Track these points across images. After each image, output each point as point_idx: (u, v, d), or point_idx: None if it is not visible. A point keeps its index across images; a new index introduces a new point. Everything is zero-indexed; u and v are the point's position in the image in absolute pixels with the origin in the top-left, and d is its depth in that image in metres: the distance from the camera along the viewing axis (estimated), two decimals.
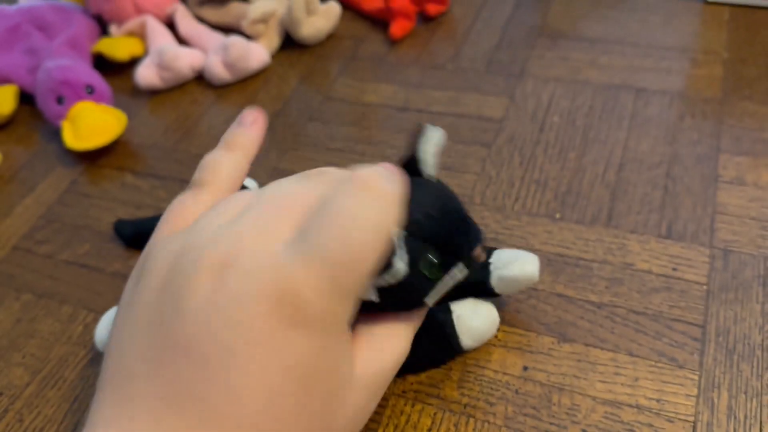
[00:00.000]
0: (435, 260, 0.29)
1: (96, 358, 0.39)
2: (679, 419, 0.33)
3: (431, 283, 0.30)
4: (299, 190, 0.28)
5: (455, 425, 0.34)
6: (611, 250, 0.41)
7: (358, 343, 0.29)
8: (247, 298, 0.24)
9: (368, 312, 0.30)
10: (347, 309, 0.26)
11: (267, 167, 0.50)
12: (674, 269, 0.39)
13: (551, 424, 0.33)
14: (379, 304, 0.29)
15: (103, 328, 0.37)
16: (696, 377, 0.34)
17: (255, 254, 0.25)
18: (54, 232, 0.48)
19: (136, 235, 0.45)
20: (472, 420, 0.34)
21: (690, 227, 0.41)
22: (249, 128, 0.34)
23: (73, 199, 0.50)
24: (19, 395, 0.38)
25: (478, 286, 0.36)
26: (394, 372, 0.31)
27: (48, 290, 0.44)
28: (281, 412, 0.25)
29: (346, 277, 0.25)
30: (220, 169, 0.32)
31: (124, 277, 0.44)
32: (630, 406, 0.34)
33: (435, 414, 0.35)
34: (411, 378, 0.36)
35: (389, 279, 0.28)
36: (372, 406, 0.30)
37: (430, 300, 0.31)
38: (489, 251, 0.37)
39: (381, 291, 0.28)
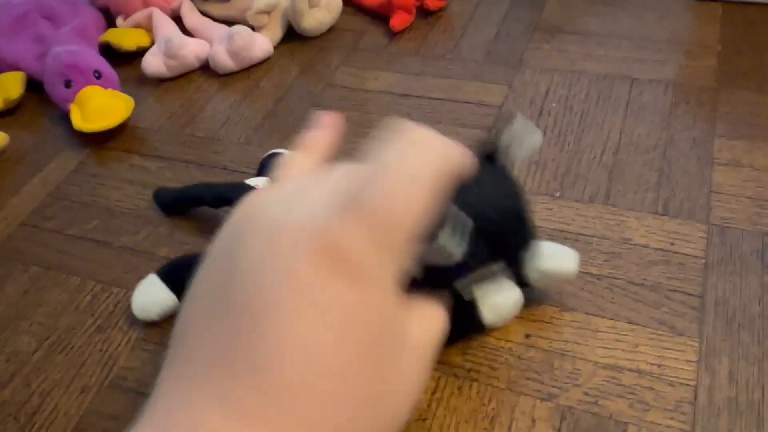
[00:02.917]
0: (484, 252, 0.30)
1: (104, 326, 0.40)
2: (681, 383, 0.34)
3: (469, 271, 0.30)
4: (349, 166, 0.28)
5: (459, 388, 0.35)
6: (610, 226, 0.42)
7: (410, 312, 0.29)
8: (292, 254, 0.24)
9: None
10: (394, 264, 0.26)
11: (271, 149, 0.51)
12: (672, 244, 0.40)
13: (553, 387, 0.34)
14: (413, 279, 0.29)
15: (141, 296, 0.39)
16: (696, 344, 0.35)
17: (302, 215, 0.25)
18: (62, 209, 0.49)
19: (173, 203, 0.46)
20: (475, 384, 0.35)
21: (686, 205, 0.43)
22: (324, 131, 0.35)
23: (81, 179, 0.51)
24: (27, 361, 0.39)
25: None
26: (437, 345, 0.30)
27: (56, 263, 0.44)
28: (333, 366, 0.24)
29: (389, 228, 0.25)
30: (294, 166, 0.34)
31: (132, 250, 0.44)
32: (631, 370, 0.34)
33: (439, 378, 0.35)
34: None
35: (439, 258, 0.27)
36: (422, 381, 0.29)
37: (460, 285, 0.31)
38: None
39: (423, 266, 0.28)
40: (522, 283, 0.36)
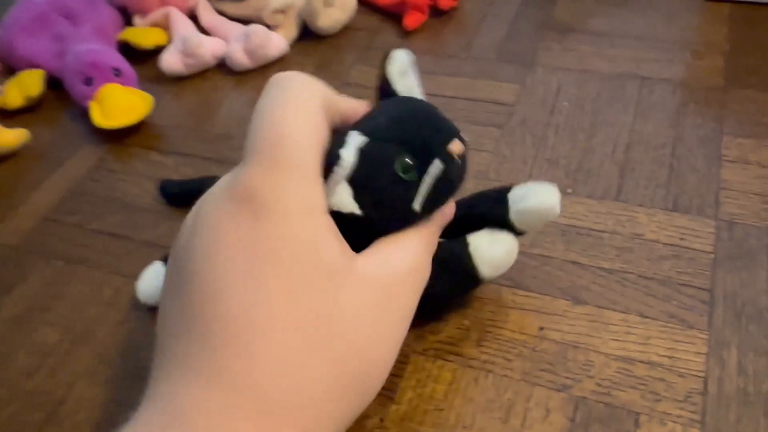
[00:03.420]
0: (408, 161, 0.29)
1: (127, 318, 0.41)
2: (691, 375, 0.35)
3: (411, 186, 0.30)
4: None
5: (475, 379, 0.35)
6: (621, 222, 0.43)
7: (366, 251, 0.29)
8: (210, 212, 0.27)
9: (370, 237, 0.30)
10: (307, 190, 0.27)
11: None
12: (681, 239, 0.41)
13: (566, 378, 0.35)
14: (370, 222, 0.30)
15: (144, 281, 0.40)
16: (706, 336, 0.36)
17: (218, 184, 0.29)
18: (83, 204, 0.50)
19: (180, 195, 0.47)
20: (491, 375, 0.36)
21: (696, 201, 0.43)
22: None
23: (101, 175, 0.52)
24: (51, 352, 0.40)
25: (499, 223, 0.36)
26: (411, 280, 0.30)
27: (78, 257, 0.45)
28: (269, 306, 0.25)
29: (282, 156, 0.27)
30: None
31: (154, 245, 0.45)
32: (642, 362, 0.35)
33: (455, 370, 0.36)
34: (431, 337, 0.37)
35: (341, 172, 0.28)
36: (390, 316, 0.29)
37: (418, 205, 0.30)
38: (507, 188, 0.36)
39: (361, 204, 0.29)
40: (512, 231, 0.36)
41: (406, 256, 0.30)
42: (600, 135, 0.49)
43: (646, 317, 0.37)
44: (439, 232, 0.33)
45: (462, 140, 0.31)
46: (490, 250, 0.35)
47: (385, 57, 0.34)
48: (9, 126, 0.55)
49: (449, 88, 0.56)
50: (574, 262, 0.41)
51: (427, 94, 0.55)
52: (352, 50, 0.62)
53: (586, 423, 0.33)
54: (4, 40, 0.62)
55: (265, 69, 0.61)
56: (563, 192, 0.45)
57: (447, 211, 0.33)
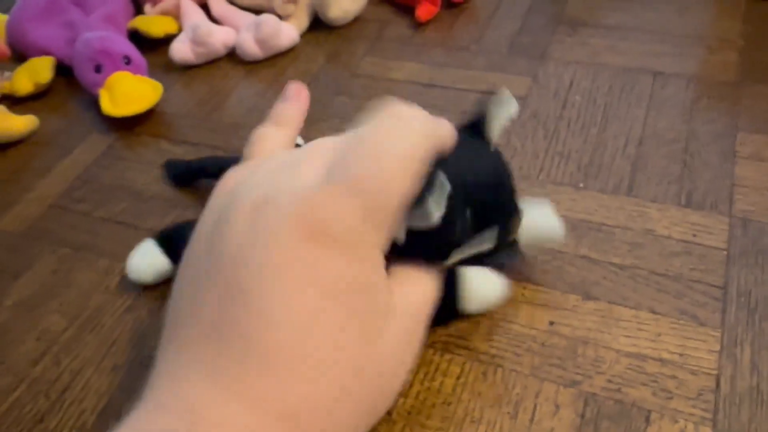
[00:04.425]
0: (470, 220, 0.30)
1: (133, 305, 0.41)
2: (703, 372, 0.34)
3: (459, 240, 0.31)
4: (335, 138, 0.29)
5: (483, 373, 0.35)
6: (632, 217, 0.42)
7: (393, 280, 0.29)
8: (277, 227, 0.25)
9: (393, 260, 0.30)
10: (379, 235, 0.26)
11: None
12: (694, 235, 0.41)
13: (576, 373, 0.35)
14: (404, 249, 0.30)
15: (135, 258, 0.40)
16: (718, 334, 0.36)
17: (287, 191, 0.26)
18: (90, 191, 0.50)
19: (184, 174, 0.47)
20: (500, 369, 0.35)
21: (709, 197, 0.43)
22: (293, 102, 0.36)
23: (110, 162, 0.52)
24: (57, 339, 0.39)
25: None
26: (428, 313, 0.31)
27: (85, 244, 0.45)
28: (319, 334, 0.25)
29: (373, 201, 0.25)
30: (268, 142, 0.34)
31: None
32: (653, 359, 0.35)
33: (464, 363, 0.36)
34: (440, 330, 0.37)
35: (421, 220, 0.28)
36: (413, 345, 0.29)
37: (451, 257, 0.31)
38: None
39: (409, 234, 0.29)
40: (508, 245, 0.36)
41: (428, 289, 0.31)
42: (612, 129, 0.49)
43: (658, 314, 0.37)
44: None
45: (518, 221, 0.32)
46: (478, 287, 0.36)
47: (491, 96, 0.33)
48: (18, 113, 0.55)
49: (461, 80, 0.55)
50: (584, 257, 0.40)
51: (439, 86, 0.55)
52: (363, 41, 0.62)
53: (596, 419, 0.33)
54: (15, 27, 0.62)
55: (276, 59, 0.61)
56: (575, 186, 0.45)
57: None
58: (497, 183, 0.31)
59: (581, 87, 0.53)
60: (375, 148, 0.26)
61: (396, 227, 0.28)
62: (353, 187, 0.25)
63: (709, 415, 0.32)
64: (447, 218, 0.29)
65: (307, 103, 0.36)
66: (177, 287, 0.28)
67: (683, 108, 0.50)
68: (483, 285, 0.36)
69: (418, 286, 0.30)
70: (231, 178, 0.31)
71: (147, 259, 0.40)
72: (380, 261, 0.27)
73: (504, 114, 0.33)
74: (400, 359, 0.28)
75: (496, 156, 0.33)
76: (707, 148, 0.46)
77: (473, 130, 0.33)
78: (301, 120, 0.36)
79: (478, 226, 0.31)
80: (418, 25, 0.62)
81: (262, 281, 0.25)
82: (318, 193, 0.25)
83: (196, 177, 0.47)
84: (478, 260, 0.35)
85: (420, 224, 0.28)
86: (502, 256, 0.37)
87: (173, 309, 0.28)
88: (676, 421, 0.32)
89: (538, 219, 0.36)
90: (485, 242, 0.31)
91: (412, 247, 0.30)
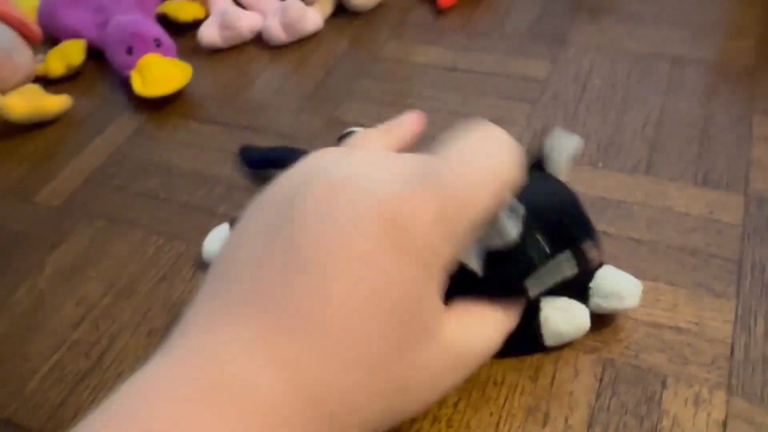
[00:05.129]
0: (543, 242, 0.30)
1: (167, 275, 0.42)
2: (718, 341, 0.35)
3: (534, 266, 0.30)
4: (424, 154, 0.29)
5: None
6: (650, 195, 0.43)
7: (452, 312, 0.28)
8: (356, 215, 0.25)
9: (466, 293, 0.30)
10: (450, 250, 0.26)
11: (323, 116, 0.53)
12: (711, 212, 0.42)
13: (595, 341, 0.36)
14: (479, 280, 0.29)
15: (210, 241, 0.42)
16: (733, 305, 0.37)
17: (373, 179, 0.26)
18: (123, 168, 0.51)
19: (260, 161, 0.46)
20: None
21: (725, 177, 0.44)
22: (408, 121, 0.36)
23: (141, 141, 0.54)
24: (95, 305, 0.41)
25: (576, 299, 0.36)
26: (482, 359, 0.30)
27: (119, 217, 0.47)
28: (363, 330, 0.24)
29: (455, 214, 0.25)
30: (369, 142, 0.35)
31: (193, 207, 0.47)
32: (670, 327, 0.36)
33: None
34: None
35: (497, 239, 0.28)
36: (450, 382, 0.29)
37: (531, 286, 0.31)
38: (592, 272, 0.35)
39: (484, 260, 0.29)
40: (591, 272, 0.35)
41: (487, 334, 0.30)
42: (631, 112, 0.50)
43: (675, 285, 0.38)
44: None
45: (595, 244, 0.32)
46: (560, 324, 0.34)
47: (549, 133, 0.34)
48: (51, 94, 0.57)
49: (483, 64, 0.56)
50: (603, 232, 0.41)
51: (461, 69, 0.56)
52: (386, 27, 0.63)
53: (614, 383, 0.34)
54: (47, 11, 0.63)
55: (300, 43, 0.62)
56: (594, 165, 0.46)
57: None
58: (566, 205, 0.32)
59: (601, 71, 0.54)
60: (464, 160, 0.26)
61: (468, 246, 0.28)
62: (440, 194, 0.25)
63: (723, 380, 0.33)
64: (521, 241, 0.29)
65: (421, 129, 0.37)
66: (232, 248, 0.28)
67: (701, 92, 0.51)
68: (563, 322, 0.34)
69: (474, 328, 0.30)
70: (318, 156, 0.30)
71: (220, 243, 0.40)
72: (439, 286, 0.26)
73: (567, 149, 0.34)
74: (429, 387, 0.28)
75: (563, 185, 0.33)
76: (724, 130, 0.47)
77: (537, 165, 0.34)
78: (408, 139, 0.36)
79: (554, 250, 0.31)
80: (440, 11, 0.64)
81: (328, 264, 0.24)
82: (405, 190, 0.25)
83: (274, 166, 0.47)
84: (570, 293, 0.35)
85: (497, 242, 0.28)
86: None
87: (225, 267, 0.27)
88: (691, 386, 0.33)
89: (615, 292, 0.35)
90: (563, 268, 0.31)
91: (486, 276, 0.29)
